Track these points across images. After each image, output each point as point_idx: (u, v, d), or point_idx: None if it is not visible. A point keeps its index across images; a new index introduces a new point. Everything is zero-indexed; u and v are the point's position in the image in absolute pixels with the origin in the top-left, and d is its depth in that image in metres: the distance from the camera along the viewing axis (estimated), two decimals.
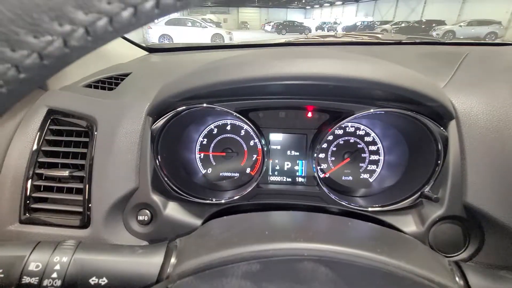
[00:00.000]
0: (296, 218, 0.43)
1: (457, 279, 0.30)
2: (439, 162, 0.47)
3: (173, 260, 0.33)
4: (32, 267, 0.28)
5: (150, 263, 0.32)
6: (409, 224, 0.51)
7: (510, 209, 0.45)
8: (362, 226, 0.40)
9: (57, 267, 0.28)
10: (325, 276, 0.23)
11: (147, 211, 0.54)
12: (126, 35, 1.03)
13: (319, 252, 0.27)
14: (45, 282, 0.28)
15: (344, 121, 0.52)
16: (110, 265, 0.31)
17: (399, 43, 1.09)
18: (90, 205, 0.51)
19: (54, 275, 0.28)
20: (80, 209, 0.52)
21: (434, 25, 12.47)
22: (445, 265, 0.32)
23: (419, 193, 0.50)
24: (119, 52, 0.92)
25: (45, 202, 0.55)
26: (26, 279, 0.27)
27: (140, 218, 0.54)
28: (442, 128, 0.47)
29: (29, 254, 0.28)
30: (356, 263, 0.26)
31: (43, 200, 0.55)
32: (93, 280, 0.29)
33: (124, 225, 0.54)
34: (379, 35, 1.34)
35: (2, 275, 0.27)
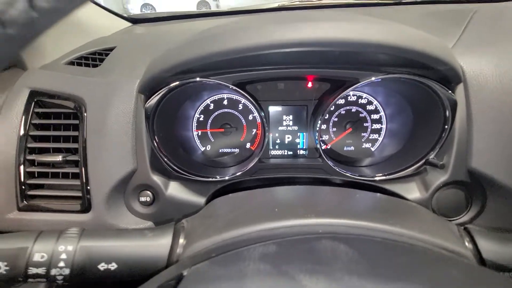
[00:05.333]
0: (303, 192, 0.42)
1: (466, 244, 0.31)
2: (446, 127, 0.46)
3: (181, 241, 0.33)
4: (37, 257, 0.27)
5: (158, 245, 0.32)
6: (412, 191, 0.51)
7: None
8: (370, 197, 0.40)
9: (63, 256, 0.27)
10: (346, 255, 0.22)
11: (149, 192, 0.53)
12: (106, 5, 0.94)
13: (334, 228, 0.27)
14: (53, 272, 0.27)
15: (348, 90, 0.50)
16: (118, 250, 0.30)
17: (400, 3, 1.03)
18: (89, 188, 0.50)
19: (61, 264, 0.27)
20: (79, 194, 0.51)
21: None
22: (455, 231, 0.33)
23: (424, 160, 0.49)
24: (99, 24, 0.84)
25: (42, 189, 0.53)
26: (32, 270, 0.26)
27: (142, 199, 0.53)
28: (450, 92, 0.45)
29: (32, 245, 0.27)
30: (374, 238, 0.26)
31: (39, 186, 0.54)
32: (102, 266, 0.29)
33: (126, 207, 0.53)
34: None
35: (7, 268, 0.26)
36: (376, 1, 1.20)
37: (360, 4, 1.06)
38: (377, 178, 0.53)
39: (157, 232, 0.33)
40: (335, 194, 0.43)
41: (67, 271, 0.27)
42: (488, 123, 0.46)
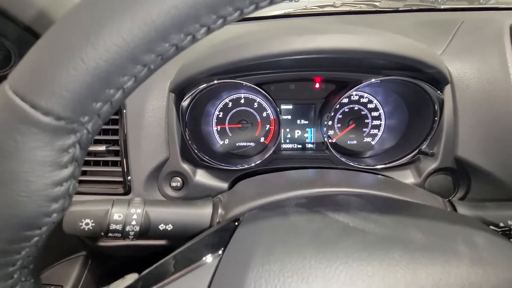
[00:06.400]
0: (317, 172, 0.50)
1: (448, 209, 0.39)
2: (436, 119, 0.54)
3: (220, 211, 0.41)
4: (115, 217, 0.34)
5: (202, 213, 0.40)
6: (408, 177, 0.59)
7: (494, 160, 0.53)
8: (371, 176, 0.48)
9: (134, 216, 0.35)
10: (357, 203, 0.30)
11: (179, 178, 0.61)
12: None
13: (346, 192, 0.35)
14: (127, 228, 0.35)
15: (352, 90, 0.58)
16: (172, 215, 0.38)
17: (397, 10, 1.11)
18: (129, 175, 0.57)
19: (133, 222, 0.35)
20: (120, 179, 0.58)
21: None
22: (439, 200, 0.41)
23: (417, 150, 0.58)
24: None
25: (85, 175, 0.61)
26: (113, 226, 0.34)
27: (173, 184, 0.61)
28: (439, 92, 0.54)
29: (111, 207, 0.35)
30: (376, 195, 0.34)
31: (83, 173, 0.61)
32: (161, 226, 0.37)
33: (159, 191, 0.61)
34: (377, 3, 1.35)
35: (93, 224, 0.34)
36: (375, 9, 1.29)
37: (361, 12, 1.15)
38: (377, 167, 0.61)
39: (199, 203, 0.41)
40: (343, 174, 0.51)
41: (137, 228, 0.35)
42: (471, 118, 0.54)
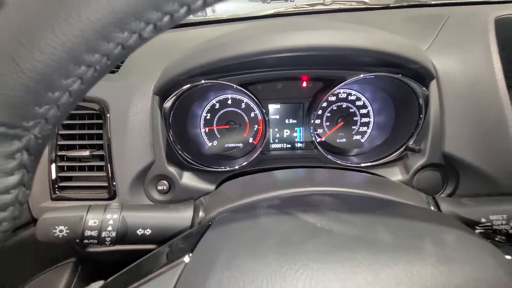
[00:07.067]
0: (300, 172, 0.49)
1: (432, 207, 0.38)
2: (421, 116, 0.54)
3: (201, 213, 0.40)
4: (90, 223, 0.34)
5: (182, 215, 0.39)
6: (396, 174, 0.58)
7: (482, 155, 0.52)
8: (355, 174, 0.48)
9: (110, 222, 0.35)
10: (330, 202, 0.29)
11: (165, 181, 0.60)
12: None
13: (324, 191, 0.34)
14: (103, 234, 0.34)
15: (337, 87, 0.57)
16: (151, 220, 0.37)
17: (387, 7, 1.11)
18: (114, 179, 0.57)
19: (109, 228, 0.34)
20: (105, 184, 0.58)
21: None
22: (423, 198, 0.40)
23: (404, 146, 0.57)
24: None
25: (70, 180, 0.61)
26: (88, 232, 0.34)
27: (160, 188, 0.60)
28: (424, 87, 0.53)
29: (85, 214, 0.34)
30: (352, 193, 0.33)
31: (68, 178, 0.61)
32: (139, 231, 0.36)
33: (146, 195, 0.60)
34: (367, 0, 1.35)
35: (68, 231, 0.33)
36: (365, 6, 1.28)
37: (351, 9, 1.14)
38: (365, 164, 0.60)
39: (180, 206, 0.41)
40: (328, 173, 0.51)
41: (113, 234, 0.34)
42: (458, 113, 0.53)
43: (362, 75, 0.54)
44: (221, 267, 0.21)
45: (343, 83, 0.56)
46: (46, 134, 0.19)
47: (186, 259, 0.24)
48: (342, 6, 1.25)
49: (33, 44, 0.15)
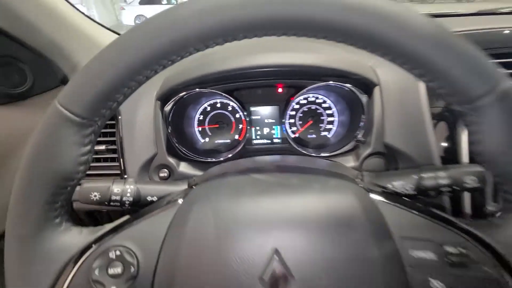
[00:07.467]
0: (276, 156, 0.66)
1: (358, 178, 0.53)
2: (363, 116, 0.69)
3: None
4: (115, 191, 0.48)
5: (180, 188, 0.53)
6: (349, 161, 0.74)
7: (411, 144, 0.67)
8: (314, 159, 0.63)
9: (129, 190, 0.49)
10: (279, 169, 0.45)
11: (166, 170, 0.75)
12: (100, 17, 1.06)
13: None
14: (123, 198, 0.48)
15: (299, 93, 0.73)
16: (157, 190, 0.52)
17: None
18: (125, 168, 0.71)
19: (128, 195, 0.48)
20: (117, 172, 0.72)
21: None
22: (354, 173, 0.55)
23: (355, 139, 0.72)
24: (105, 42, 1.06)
25: (89, 170, 0.75)
26: (113, 197, 0.48)
27: (161, 175, 0.75)
28: (364, 93, 0.69)
29: (111, 184, 0.49)
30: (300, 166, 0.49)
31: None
32: (149, 198, 0.50)
33: (150, 180, 0.75)
34: None
35: (100, 196, 0.48)
36: None
37: None
38: (324, 154, 0.76)
39: (178, 182, 0.55)
40: (296, 157, 0.67)
41: (131, 199, 0.49)
42: (394, 112, 0.69)
43: (317, 84, 0.70)
44: (203, 203, 0.36)
45: (305, 89, 0.72)
46: (102, 124, 0.34)
47: (180, 201, 0.39)
48: None
49: (108, 79, 0.30)
